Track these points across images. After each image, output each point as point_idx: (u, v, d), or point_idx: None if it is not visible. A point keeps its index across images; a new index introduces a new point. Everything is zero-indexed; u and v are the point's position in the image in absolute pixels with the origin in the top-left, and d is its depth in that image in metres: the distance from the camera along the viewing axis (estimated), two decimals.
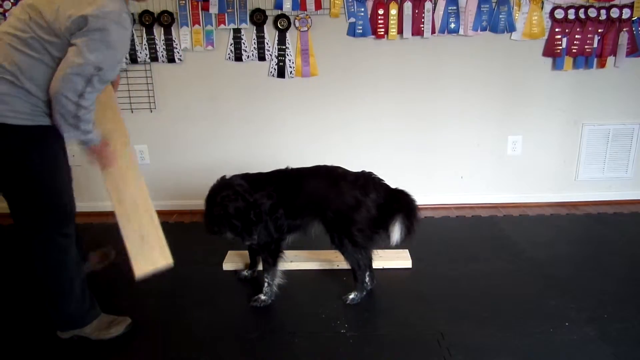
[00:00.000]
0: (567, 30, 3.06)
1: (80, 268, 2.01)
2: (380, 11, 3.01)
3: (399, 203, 2.13)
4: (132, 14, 2.98)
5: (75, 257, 1.99)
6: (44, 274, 1.88)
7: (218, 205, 2.04)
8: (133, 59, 3.08)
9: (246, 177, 2.24)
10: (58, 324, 1.97)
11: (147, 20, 3.02)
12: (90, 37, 1.62)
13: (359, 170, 2.21)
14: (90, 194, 3.39)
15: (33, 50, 1.66)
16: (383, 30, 3.04)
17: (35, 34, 1.66)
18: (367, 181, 2.14)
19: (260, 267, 2.35)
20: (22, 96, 1.68)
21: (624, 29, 3.03)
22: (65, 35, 1.64)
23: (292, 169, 2.24)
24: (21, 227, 1.85)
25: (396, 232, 2.07)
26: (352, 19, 3.04)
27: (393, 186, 2.21)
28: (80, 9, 1.62)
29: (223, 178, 2.20)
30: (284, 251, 2.25)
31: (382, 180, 2.18)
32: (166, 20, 3.02)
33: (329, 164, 2.25)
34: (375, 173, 2.19)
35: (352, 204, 2.08)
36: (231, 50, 3.10)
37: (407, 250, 2.52)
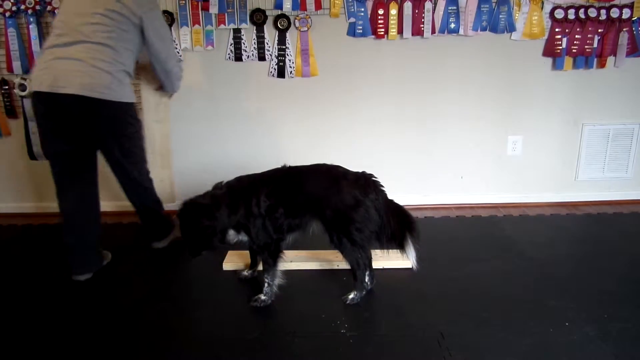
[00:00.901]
0: (567, 30, 3.06)
1: None
2: (380, 11, 3.01)
3: (403, 223, 2.17)
4: None
5: None
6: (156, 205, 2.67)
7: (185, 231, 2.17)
8: None
9: (242, 179, 2.23)
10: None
11: None
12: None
13: (359, 170, 2.21)
14: None
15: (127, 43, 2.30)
16: (383, 30, 3.04)
17: (121, 28, 2.25)
18: (368, 182, 2.14)
19: (260, 267, 2.35)
20: (129, 82, 2.37)
21: (624, 29, 3.04)
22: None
23: (291, 167, 2.23)
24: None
25: (412, 256, 2.17)
26: (352, 19, 3.04)
27: (391, 193, 2.22)
28: None
29: (216, 185, 2.23)
30: (284, 252, 2.25)
31: (382, 186, 2.18)
32: (166, 20, 3.01)
33: (328, 163, 2.25)
34: (375, 176, 2.19)
35: (352, 204, 2.08)
36: (231, 50, 3.10)
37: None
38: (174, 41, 2.59)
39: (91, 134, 2.32)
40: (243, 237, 2.23)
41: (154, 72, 2.49)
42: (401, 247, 2.18)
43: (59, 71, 2.18)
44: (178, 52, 2.98)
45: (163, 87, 2.61)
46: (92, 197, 2.51)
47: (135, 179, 2.50)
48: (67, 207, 2.43)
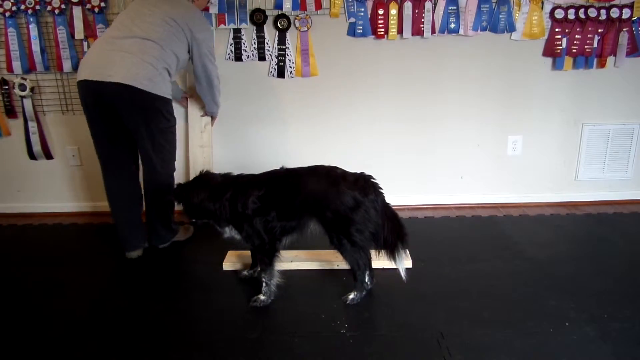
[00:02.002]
0: (567, 30, 3.06)
1: None
2: (380, 11, 3.01)
3: (396, 231, 2.19)
4: None
5: None
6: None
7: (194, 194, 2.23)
8: None
9: (239, 178, 2.26)
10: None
11: None
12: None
13: (359, 170, 2.21)
14: (89, 194, 3.40)
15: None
16: (383, 30, 3.04)
17: (173, 33, 2.46)
18: (367, 183, 2.14)
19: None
20: (169, 80, 2.54)
21: (624, 29, 3.03)
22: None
23: (287, 169, 2.23)
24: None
25: (402, 267, 2.21)
26: (352, 19, 3.04)
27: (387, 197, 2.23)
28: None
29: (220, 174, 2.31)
30: (282, 251, 2.25)
31: (381, 188, 2.19)
32: None
33: (328, 164, 2.25)
34: (374, 177, 2.19)
35: (352, 205, 2.08)
36: (231, 50, 3.10)
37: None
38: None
39: (128, 121, 2.44)
40: (235, 234, 2.25)
41: (198, 91, 2.76)
42: (392, 254, 2.19)
43: (108, 61, 2.36)
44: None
45: (206, 107, 2.91)
46: (134, 180, 2.66)
47: (159, 173, 2.58)
48: (111, 189, 2.61)
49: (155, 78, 2.39)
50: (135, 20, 2.44)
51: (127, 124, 2.46)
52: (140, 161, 2.62)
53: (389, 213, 2.20)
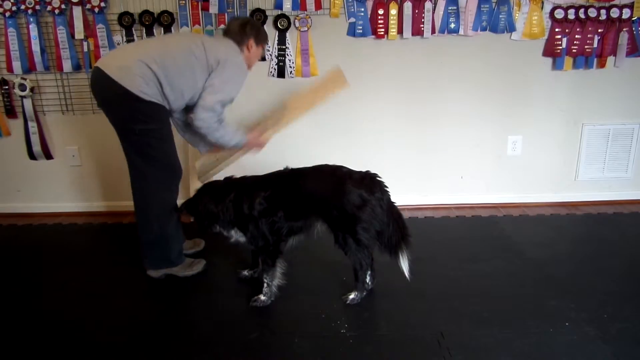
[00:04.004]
0: (567, 30, 3.06)
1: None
2: (380, 11, 3.01)
3: (399, 232, 2.19)
4: (132, 14, 3.01)
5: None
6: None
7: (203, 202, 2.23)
8: None
9: (243, 180, 2.26)
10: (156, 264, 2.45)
11: (147, 20, 3.02)
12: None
13: (361, 170, 2.21)
14: (89, 194, 3.40)
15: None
16: (383, 30, 3.04)
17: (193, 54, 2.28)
18: (373, 181, 2.15)
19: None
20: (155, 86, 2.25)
21: (624, 29, 3.03)
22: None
23: (293, 170, 2.24)
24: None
25: (405, 266, 2.19)
26: (352, 19, 3.04)
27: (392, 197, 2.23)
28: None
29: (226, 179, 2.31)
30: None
31: (387, 186, 2.19)
32: (166, 20, 3.01)
33: (331, 163, 2.25)
34: (379, 175, 2.19)
35: (358, 203, 2.08)
36: None
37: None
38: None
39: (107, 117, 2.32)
40: (240, 237, 2.24)
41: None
42: (394, 254, 2.19)
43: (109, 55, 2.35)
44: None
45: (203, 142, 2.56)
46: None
47: (130, 172, 2.34)
48: (134, 198, 2.39)
49: (129, 70, 2.16)
50: (171, 35, 2.51)
51: (110, 119, 2.32)
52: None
53: (394, 212, 2.20)
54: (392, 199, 2.21)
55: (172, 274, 2.46)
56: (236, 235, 2.25)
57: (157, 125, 2.28)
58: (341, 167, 2.20)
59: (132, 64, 2.18)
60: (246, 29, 2.43)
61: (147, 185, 2.31)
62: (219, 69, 2.28)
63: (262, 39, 2.52)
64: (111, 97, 2.22)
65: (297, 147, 3.26)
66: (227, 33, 2.45)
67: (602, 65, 3.10)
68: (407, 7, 2.99)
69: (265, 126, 2.66)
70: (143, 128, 2.23)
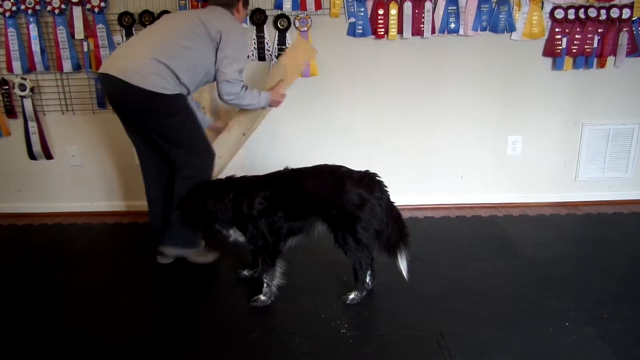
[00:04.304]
0: (567, 30, 3.06)
1: None
2: (380, 11, 3.01)
3: (399, 232, 2.19)
4: (132, 14, 3.01)
5: None
6: None
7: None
8: None
9: (243, 180, 2.26)
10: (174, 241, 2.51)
11: (147, 20, 3.01)
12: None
13: (360, 170, 2.21)
14: (89, 194, 3.40)
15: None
16: (383, 30, 3.04)
17: (195, 33, 2.34)
18: (372, 181, 2.15)
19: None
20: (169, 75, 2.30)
21: (624, 29, 3.03)
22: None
23: (293, 170, 2.24)
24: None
25: (404, 265, 2.19)
26: (352, 19, 3.04)
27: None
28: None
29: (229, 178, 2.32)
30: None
31: (386, 186, 2.19)
32: None
33: (330, 163, 2.25)
34: (379, 175, 2.19)
35: (358, 202, 2.08)
36: None
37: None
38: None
39: (133, 118, 2.36)
40: (239, 237, 2.25)
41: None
42: (393, 254, 2.19)
43: (117, 54, 2.36)
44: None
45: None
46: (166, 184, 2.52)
47: (175, 164, 2.40)
48: (148, 192, 2.56)
49: (143, 69, 2.21)
50: (165, 20, 2.44)
51: (135, 123, 2.39)
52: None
53: (393, 212, 2.20)
54: (392, 198, 2.21)
55: (184, 257, 2.55)
56: (235, 235, 2.26)
57: (185, 115, 2.37)
58: (340, 166, 2.20)
59: (146, 64, 2.22)
60: None
61: (190, 173, 2.38)
62: (224, 39, 2.34)
63: (247, 2, 2.66)
64: (137, 103, 2.27)
65: (297, 147, 3.26)
66: (215, 0, 2.51)
67: (602, 65, 3.11)
68: (407, 7, 2.99)
69: (277, 83, 2.75)
70: (177, 121, 2.32)
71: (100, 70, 2.33)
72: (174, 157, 2.39)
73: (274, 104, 2.68)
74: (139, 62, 2.24)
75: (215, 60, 2.37)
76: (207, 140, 2.49)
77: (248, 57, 3.09)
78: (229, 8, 2.49)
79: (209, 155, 2.46)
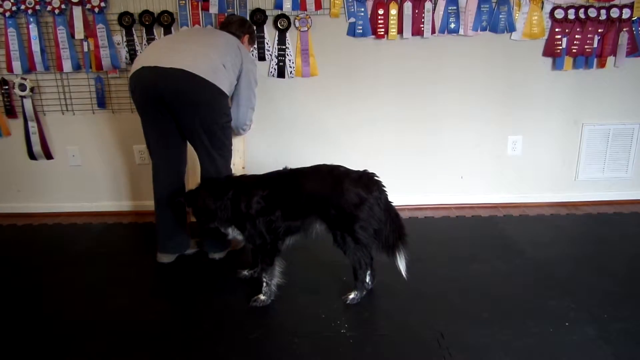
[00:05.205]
0: (567, 30, 3.06)
1: None
2: (380, 11, 3.01)
3: (396, 231, 2.19)
4: (132, 14, 3.01)
5: None
6: None
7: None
8: (133, 59, 3.07)
9: (242, 179, 2.27)
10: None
11: (147, 20, 3.02)
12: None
13: (360, 170, 2.21)
14: (89, 194, 3.40)
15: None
16: (383, 30, 3.04)
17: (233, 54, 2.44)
18: (370, 180, 2.15)
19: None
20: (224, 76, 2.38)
21: (624, 29, 3.03)
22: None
23: (291, 170, 2.24)
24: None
25: (402, 265, 2.19)
26: (352, 19, 3.04)
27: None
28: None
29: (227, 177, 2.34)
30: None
31: (384, 186, 2.19)
32: (166, 20, 3.02)
33: (329, 163, 2.25)
34: (377, 175, 2.19)
35: (356, 202, 2.08)
36: None
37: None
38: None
39: (184, 115, 2.34)
40: (237, 235, 2.25)
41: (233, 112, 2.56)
42: (392, 254, 2.20)
43: (171, 51, 2.35)
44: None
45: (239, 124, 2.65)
46: (182, 183, 2.57)
47: (220, 172, 2.44)
48: (157, 189, 2.55)
49: (218, 71, 2.30)
50: (193, 35, 2.52)
51: (182, 119, 2.34)
52: (199, 160, 2.48)
53: (391, 211, 2.20)
54: (392, 198, 2.21)
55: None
56: (233, 233, 2.27)
57: (230, 117, 2.48)
58: (339, 166, 2.21)
59: (216, 64, 2.30)
60: (246, 25, 2.68)
61: (213, 173, 2.43)
62: (248, 65, 2.50)
63: (253, 40, 2.80)
64: (205, 98, 2.29)
65: (296, 147, 3.26)
66: (226, 26, 2.62)
67: (602, 65, 3.10)
68: (407, 7, 2.99)
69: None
70: (227, 120, 2.43)
71: (153, 64, 2.27)
72: (207, 156, 2.42)
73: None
74: (213, 61, 2.30)
75: (238, 87, 2.49)
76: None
77: None
78: (237, 37, 2.58)
79: (230, 159, 2.54)
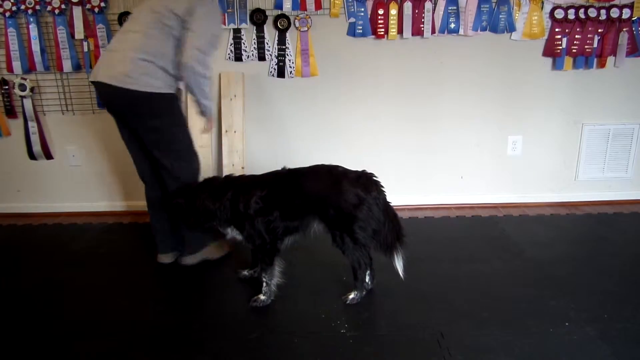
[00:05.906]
0: (567, 30, 3.06)
1: None
2: (380, 11, 3.01)
3: (395, 231, 2.20)
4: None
5: None
6: None
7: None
8: None
9: (241, 179, 2.27)
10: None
11: None
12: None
13: (359, 170, 2.21)
14: (89, 194, 3.40)
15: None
16: (383, 30, 3.04)
17: (162, 22, 2.21)
18: (369, 180, 2.15)
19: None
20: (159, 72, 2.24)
21: (624, 29, 3.03)
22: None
23: (290, 170, 2.24)
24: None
25: (400, 265, 2.19)
26: (352, 19, 3.04)
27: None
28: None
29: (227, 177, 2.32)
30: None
31: (382, 186, 2.19)
32: None
33: (327, 163, 2.25)
34: (375, 175, 2.19)
35: (355, 202, 2.08)
36: (231, 50, 3.10)
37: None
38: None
39: (127, 121, 2.33)
40: (237, 235, 2.25)
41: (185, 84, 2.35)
42: (390, 254, 2.20)
43: (100, 61, 2.31)
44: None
45: (195, 105, 2.42)
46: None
47: (176, 178, 2.37)
48: (147, 196, 2.54)
49: (134, 73, 2.17)
50: (123, 29, 2.33)
51: (130, 125, 2.34)
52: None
53: (390, 212, 2.21)
54: (392, 198, 2.22)
55: (207, 259, 2.60)
56: (233, 233, 2.26)
57: (178, 117, 2.37)
58: (337, 166, 2.21)
59: (134, 66, 2.18)
60: None
61: (180, 176, 2.36)
62: (191, 15, 2.20)
63: None
64: (133, 106, 2.24)
65: (296, 146, 3.26)
66: None
67: (602, 65, 3.10)
68: (407, 7, 2.99)
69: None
70: (168, 122, 2.31)
71: (91, 79, 2.30)
72: (165, 162, 2.35)
73: (210, 120, 2.49)
74: (127, 64, 2.18)
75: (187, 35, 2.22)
76: (193, 144, 2.44)
77: (249, 56, 3.10)
78: None
79: (196, 159, 2.45)
